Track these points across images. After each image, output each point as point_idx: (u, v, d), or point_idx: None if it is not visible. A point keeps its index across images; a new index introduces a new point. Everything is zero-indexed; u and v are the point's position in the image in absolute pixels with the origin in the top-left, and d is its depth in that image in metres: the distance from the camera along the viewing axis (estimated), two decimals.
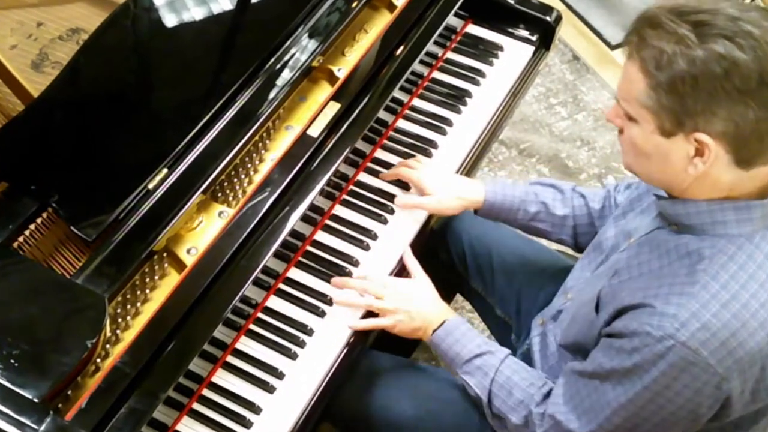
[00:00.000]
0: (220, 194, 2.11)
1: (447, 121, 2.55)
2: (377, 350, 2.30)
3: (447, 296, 3.02)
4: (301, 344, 2.08)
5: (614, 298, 1.77)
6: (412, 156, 2.45)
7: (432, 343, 2.11)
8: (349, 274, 2.21)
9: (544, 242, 2.56)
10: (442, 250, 2.58)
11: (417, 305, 2.13)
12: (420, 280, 2.21)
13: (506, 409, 1.98)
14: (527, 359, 2.19)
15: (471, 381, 2.05)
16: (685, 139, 1.59)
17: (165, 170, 1.99)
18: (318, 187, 2.15)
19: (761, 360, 1.64)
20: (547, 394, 1.95)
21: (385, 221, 2.31)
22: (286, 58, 2.24)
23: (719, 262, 1.64)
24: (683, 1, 1.58)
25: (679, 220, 1.74)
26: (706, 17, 1.53)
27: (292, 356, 2.06)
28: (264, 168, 2.15)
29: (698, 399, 1.64)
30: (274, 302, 2.15)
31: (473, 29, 2.79)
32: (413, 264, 2.24)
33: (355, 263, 2.23)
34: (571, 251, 2.45)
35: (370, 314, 2.15)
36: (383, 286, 2.15)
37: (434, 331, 2.10)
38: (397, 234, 2.30)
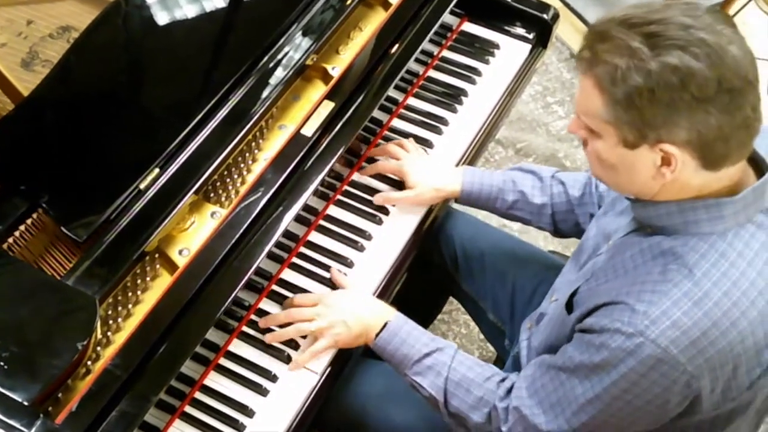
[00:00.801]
0: (212, 194, 2.11)
1: (443, 121, 2.56)
2: (369, 355, 2.30)
3: (440, 300, 3.03)
4: (294, 347, 2.09)
5: (588, 299, 1.78)
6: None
7: (377, 348, 2.07)
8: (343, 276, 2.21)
9: (541, 243, 2.57)
10: (434, 252, 2.57)
11: (351, 312, 2.09)
12: (348, 287, 2.19)
13: (466, 408, 1.96)
14: (517, 364, 2.19)
15: (423, 382, 2.01)
16: (650, 150, 1.60)
17: (157, 170, 1.99)
18: (312, 188, 2.15)
19: (733, 359, 1.64)
20: (511, 388, 1.93)
21: (379, 222, 2.32)
22: (279, 56, 2.24)
23: (691, 260, 1.64)
24: (632, 11, 1.57)
25: (652, 222, 1.75)
26: (658, 28, 1.53)
27: (285, 359, 2.07)
28: (257, 168, 2.16)
29: (666, 396, 1.65)
30: (267, 304, 2.15)
31: (469, 27, 2.80)
32: (340, 278, 2.21)
33: (350, 264, 2.24)
34: (565, 252, 2.46)
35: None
36: (313, 303, 2.12)
37: (377, 335, 2.06)
38: (392, 235, 2.31)
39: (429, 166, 2.37)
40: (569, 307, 1.87)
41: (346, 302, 2.11)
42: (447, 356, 2.01)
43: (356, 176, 2.40)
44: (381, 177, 2.41)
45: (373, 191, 2.37)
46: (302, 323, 2.09)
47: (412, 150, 2.42)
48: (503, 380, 1.97)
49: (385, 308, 2.12)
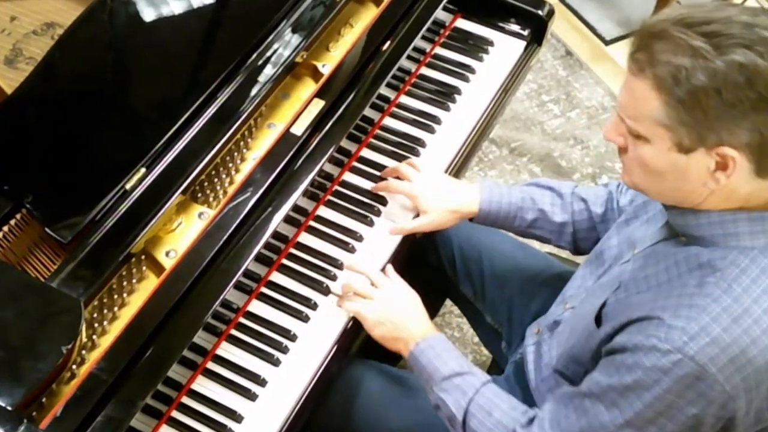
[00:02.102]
0: (200, 195, 2.11)
1: (435, 119, 2.56)
2: (362, 358, 2.31)
3: (436, 302, 3.03)
4: (284, 350, 2.09)
5: (620, 313, 1.75)
6: (400, 155, 2.45)
7: (411, 356, 2.08)
8: (333, 278, 2.22)
9: (537, 245, 2.57)
10: (431, 253, 2.57)
11: (404, 316, 2.11)
12: (408, 290, 2.19)
13: (484, 430, 1.94)
14: (519, 369, 2.19)
15: (447, 399, 2.00)
16: (706, 154, 1.57)
17: (143, 170, 2.00)
18: (301, 188, 2.15)
19: None
20: (533, 419, 1.91)
21: (371, 223, 2.32)
22: (268, 53, 2.25)
23: (731, 274, 1.61)
24: (686, 11, 1.55)
25: (689, 232, 1.72)
26: (719, 27, 1.51)
27: (275, 362, 2.07)
28: (246, 167, 2.16)
29: (702, 417, 1.62)
30: (256, 306, 2.15)
31: (462, 24, 2.80)
32: (395, 276, 2.22)
33: (340, 266, 2.24)
34: (564, 254, 2.46)
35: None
36: (376, 285, 2.15)
37: (417, 344, 2.07)
38: (383, 236, 2.31)
39: (442, 187, 2.33)
40: (598, 320, 1.84)
41: (405, 305, 2.14)
42: (478, 380, 2.00)
43: (347, 176, 2.40)
44: (376, 178, 2.40)
45: (364, 192, 2.37)
46: (359, 298, 2.14)
47: (423, 169, 2.38)
48: (527, 411, 1.95)
49: (430, 325, 2.12)
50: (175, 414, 1.98)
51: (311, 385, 2.06)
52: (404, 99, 2.60)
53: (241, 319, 2.12)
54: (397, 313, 2.11)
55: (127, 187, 1.96)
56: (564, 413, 1.82)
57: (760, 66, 1.48)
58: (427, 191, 2.30)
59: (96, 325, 1.90)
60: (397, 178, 2.37)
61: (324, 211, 2.33)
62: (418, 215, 2.34)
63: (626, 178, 1.76)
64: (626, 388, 1.66)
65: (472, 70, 2.68)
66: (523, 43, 2.76)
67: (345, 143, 2.33)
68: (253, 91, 2.17)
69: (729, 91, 1.49)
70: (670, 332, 1.59)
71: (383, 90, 2.43)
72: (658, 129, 1.59)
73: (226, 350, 2.08)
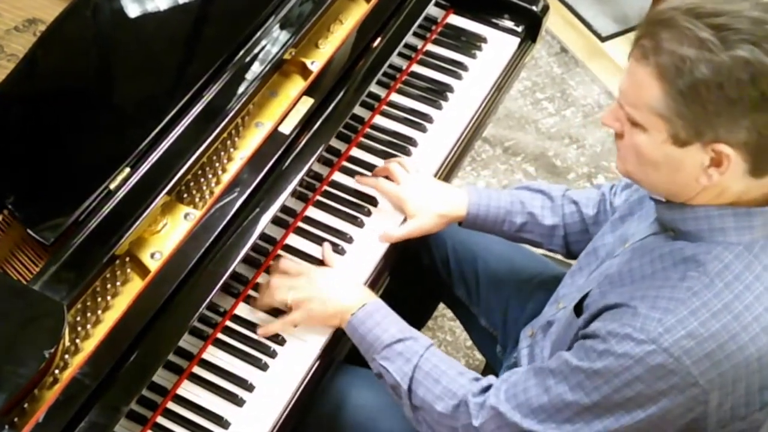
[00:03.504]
0: (186, 195, 2.12)
1: (427, 118, 2.56)
2: (351, 365, 2.31)
3: (429, 305, 3.04)
4: (272, 354, 2.09)
5: (597, 304, 1.78)
6: (391, 155, 2.46)
7: (349, 328, 2.09)
8: None
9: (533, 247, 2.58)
10: (424, 255, 2.58)
11: (331, 290, 2.11)
12: (336, 267, 2.21)
13: (431, 397, 1.95)
14: None
15: (390, 367, 2.01)
16: (702, 149, 1.58)
17: (127, 169, 2.00)
18: (290, 188, 2.16)
19: (747, 377, 1.63)
20: (488, 387, 1.92)
21: (361, 224, 2.33)
22: (256, 50, 2.25)
23: (714, 269, 1.63)
24: (698, 1, 1.55)
25: (676, 226, 1.74)
26: (728, 20, 1.51)
27: (263, 367, 2.07)
28: (233, 167, 2.16)
29: (672, 408, 1.65)
30: (244, 310, 2.16)
31: (455, 20, 2.81)
32: (330, 257, 2.24)
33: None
34: (557, 256, 2.46)
35: None
36: (298, 273, 2.15)
37: (352, 315, 2.08)
38: (374, 238, 2.31)
39: (429, 191, 2.33)
40: (578, 309, 1.87)
41: (329, 281, 2.13)
42: (420, 346, 2.02)
43: (337, 176, 2.40)
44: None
45: (354, 192, 2.38)
46: (280, 291, 2.12)
47: (411, 170, 2.38)
48: (478, 379, 1.97)
49: (366, 294, 2.13)
50: (161, 420, 1.98)
51: (300, 391, 2.06)
52: (395, 97, 2.60)
53: (229, 323, 2.13)
54: (319, 289, 2.11)
55: (111, 187, 1.96)
56: (523, 386, 1.84)
57: (765, 64, 1.49)
58: (415, 195, 2.31)
59: (79, 328, 1.89)
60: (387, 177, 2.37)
61: (313, 212, 2.33)
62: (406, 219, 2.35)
63: (620, 166, 1.77)
64: (594, 372, 1.69)
65: (464, 68, 2.69)
66: (517, 40, 2.77)
67: (334, 142, 2.34)
68: (240, 89, 2.18)
69: (731, 87, 1.50)
70: (646, 322, 1.62)
71: (374, 88, 2.44)
72: (656, 119, 1.60)
73: (213, 354, 2.08)
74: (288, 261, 2.20)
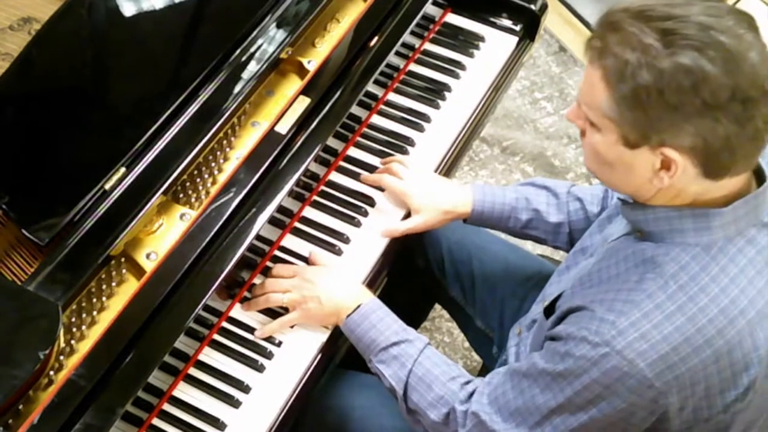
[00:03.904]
0: (181, 195, 2.12)
1: (424, 117, 2.56)
2: (350, 367, 2.31)
3: (425, 306, 3.04)
4: (268, 356, 2.10)
5: (565, 303, 1.79)
6: (388, 155, 2.46)
7: (345, 329, 2.10)
8: None
9: (530, 246, 2.58)
10: (419, 255, 2.58)
11: (326, 289, 2.12)
12: (330, 265, 2.22)
13: (424, 404, 1.97)
14: None
15: (386, 371, 2.03)
16: (651, 152, 1.59)
17: (123, 169, 2.00)
18: (286, 188, 2.16)
19: (705, 379, 1.64)
20: (473, 393, 1.94)
21: (358, 224, 2.33)
22: (252, 49, 2.25)
23: (670, 271, 1.64)
24: (651, 3, 1.55)
25: (640, 227, 1.75)
26: (675, 25, 1.51)
27: (259, 368, 2.08)
28: (229, 167, 2.17)
29: (631, 410, 1.65)
30: (240, 311, 2.16)
31: (453, 18, 2.81)
32: (320, 254, 2.25)
33: None
34: (558, 256, 2.46)
35: None
36: (291, 275, 2.16)
37: (348, 316, 2.09)
38: (371, 238, 2.31)
39: (434, 186, 2.34)
40: (550, 310, 1.89)
41: (324, 279, 2.14)
42: (415, 349, 2.03)
43: (334, 176, 2.40)
44: (359, 178, 2.41)
45: (351, 192, 2.38)
46: (275, 294, 2.13)
47: (413, 167, 2.39)
48: (467, 383, 1.98)
49: (362, 292, 2.15)
50: (156, 422, 1.99)
51: (296, 392, 2.07)
52: (392, 96, 2.61)
53: (225, 324, 2.13)
54: (315, 288, 2.12)
55: (107, 187, 1.97)
56: (502, 390, 1.86)
57: (707, 72, 1.48)
58: (420, 190, 2.32)
59: (74, 329, 1.90)
60: None
61: (310, 212, 2.34)
62: (408, 215, 2.35)
63: (585, 163, 1.78)
64: (558, 374, 1.72)
65: (462, 67, 2.69)
66: (515, 39, 2.77)
67: (331, 142, 2.34)
68: (237, 89, 2.18)
69: (672, 93, 1.50)
70: (601, 325, 1.64)
71: (371, 87, 2.44)
72: (606, 120, 1.61)
73: (209, 356, 2.09)
74: (279, 265, 2.21)
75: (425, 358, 2.02)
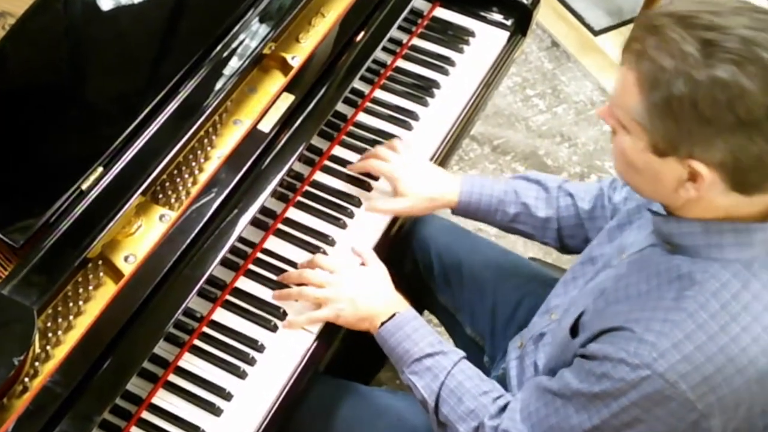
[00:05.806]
0: (161, 196, 2.12)
1: (412, 115, 2.57)
2: (332, 376, 2.32)
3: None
4: (250, 362, 2.10)
5: (594, 323, 1.77)
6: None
7: (379, 337, 2.11)
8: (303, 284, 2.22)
9: (521, 249, 2.58)
10: (407, 260, 2.59)
11: (362, 292, 2.13)
12: (372, 266, 2.23)
13: (454, 417, 1.98)
14: (502, 385, 2.20)
15: (419, 383, 2.03)
16: (679, 162, 1.58)
17: (100, 169, 2.00)
18: (270, 188, 2.17)
19: (749, 399, 1.63)
20: (504, 408, 1.94)
21: (343, 225, 2.33)
22: (234, 44, 2.25)
23: (711, 289, 1.62)
24: (696, 8, 1.54)
25: (673, 240, 1.73)
26: (717, 36, 1.49)
27: (241, 375, 2.08)
28: (210, 167, 2.17)
29: None
30: (221, 315, 2.16)
31: (442, 13, 2.81)
32: (366, 252, 2.26)
33: None
34: (546, 259, 2.47)
35: None
36: (330, 270, 2.17)
37: (383, 324, 2.09)
38: (357, 240, 2.32)
39: (422, 172, 2.36)
40: (574, 331, 1.86)
41: (363, 281, 2.16)
42: (449, 361, 2.03)
43: (318, 176, 2.41)
44: (348, 178, 2.42)
45: (337, 193, 2.39)
46: (309, 288, 2.15)
47: (403, 151, 2.41)
48: (499, 398, 1.98)
49: (398, 300, 2.16)
50: (135, 430, 1.99)
51: (280, 400, 2.07)
52: (379, 93, 2.61)
53: (205, 329, 2.13)
54: (351, 289, 2.13)
55: (83, 187, 1.97)
56: (536, 406, 1.86)
57: (745, 88, 1.47)
58: (408, 175, 2.34)
59: (50, 334, 1.90)
60: None
61: (294, 213, 2.34)
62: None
63: (615, 164, 1.77)
64: (594, 396, 1.70)
65: (451, 63, 2.70)
66: (507, 34, 2.78)
67: (316, 141, 2.35)
68: (218, 85, 2.18)
69: (706, 106, 1.49)
70: (640, 346, 1.62)
71: (357, 84, 2.45)
72: (635, 125, 1.61)
73: (189, 362, 2.09)
74: (320, 256, 2.22)
75: (459, 371, 2.02)
